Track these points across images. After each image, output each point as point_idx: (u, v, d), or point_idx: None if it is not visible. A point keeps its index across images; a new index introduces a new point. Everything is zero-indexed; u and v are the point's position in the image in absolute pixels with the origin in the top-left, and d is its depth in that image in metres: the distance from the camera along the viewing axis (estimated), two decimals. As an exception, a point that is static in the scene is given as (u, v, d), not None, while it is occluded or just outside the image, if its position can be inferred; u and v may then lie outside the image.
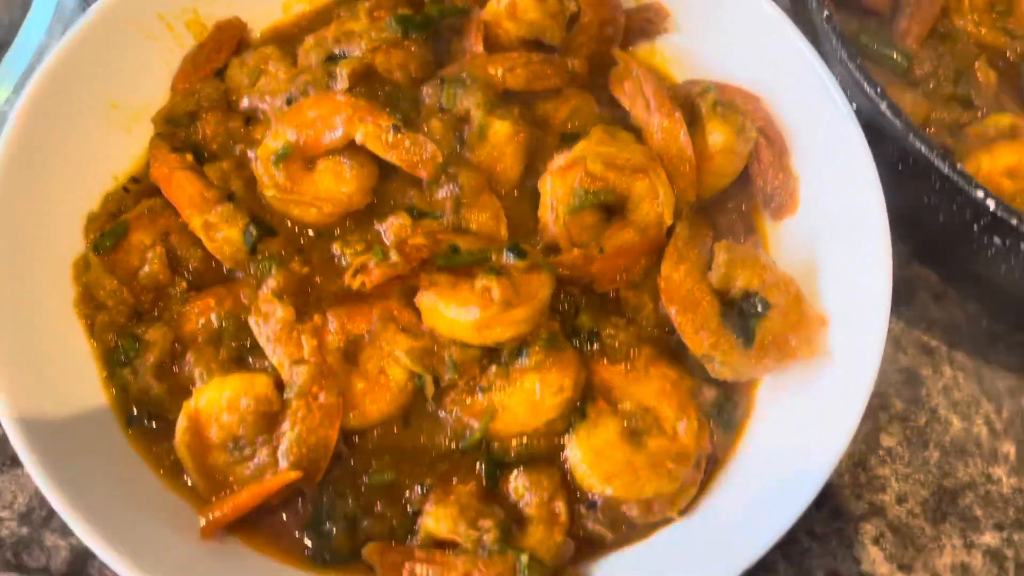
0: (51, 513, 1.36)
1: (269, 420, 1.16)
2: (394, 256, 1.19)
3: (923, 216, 1.34)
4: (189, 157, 1.33)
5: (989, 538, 1.41)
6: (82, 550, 1.34)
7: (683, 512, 1.21)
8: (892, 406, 1.49)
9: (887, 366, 1.51)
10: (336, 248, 1.31)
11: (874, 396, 1.46)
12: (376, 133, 1.28)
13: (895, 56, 1.54)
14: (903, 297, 1.58)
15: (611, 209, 1.33)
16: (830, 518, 1.41)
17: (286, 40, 1.48)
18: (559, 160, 1.31)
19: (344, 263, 1.30)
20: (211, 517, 1.13)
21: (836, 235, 1.33)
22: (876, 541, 1.40)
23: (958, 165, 1.20)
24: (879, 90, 1.25)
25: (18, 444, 1.10)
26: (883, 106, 1.24)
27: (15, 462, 1.39)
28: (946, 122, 1.50)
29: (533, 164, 1.39)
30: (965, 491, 1.44)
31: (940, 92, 1.53)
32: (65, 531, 1.35)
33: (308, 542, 1.17)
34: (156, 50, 1.42)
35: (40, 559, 1.34)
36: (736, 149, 1.37)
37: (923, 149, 1.21)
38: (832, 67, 1.35)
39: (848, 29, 1.37)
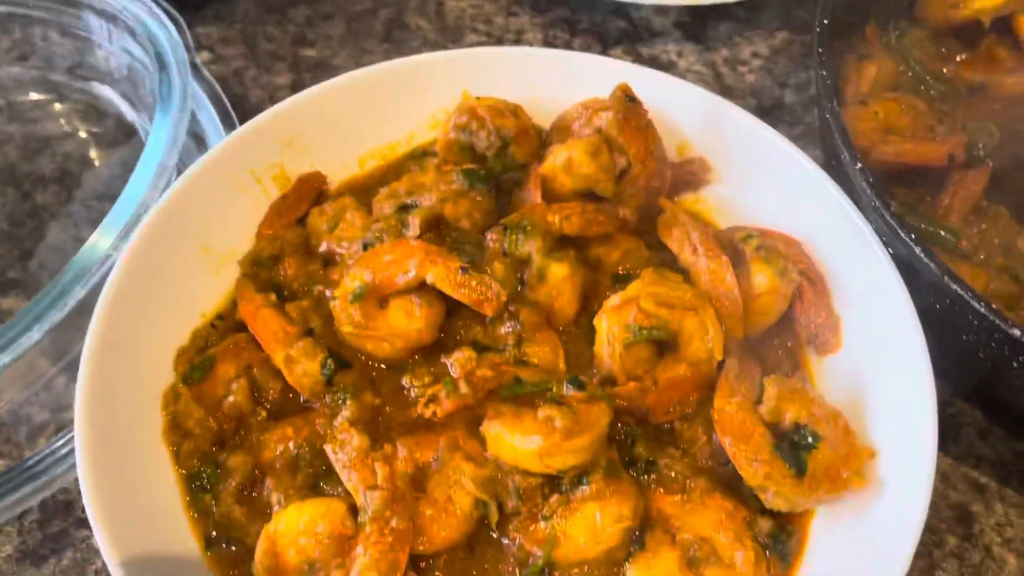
0: (122, 638, 1.40)
1: (343, 544, 1.21)
2: (463, 387, 1.27)
3: (963, 354, 1.40)
4: (272, 296, 1.45)
5: None
6: (149, 677, 1.37)
7: (744, 644, 1.22)
8: (946, 543, 1.51)
9: (938, 502, 1.54)
10: (406, 380, 1.40)
11: (927, 532, 1.50)
12: (446, 274, 1.39)
13: (942, 233, 1.57)
14: (949, 434, 1.61)
15: (663, 345, 1.41)
16: (891, 657, 1.40)
17: (361, 192, 1.62)
18: (614, 299, 1.40)
19: (413, 394, 1.38)
20: (285, 641, 1.17)
21: (879, 370, 1.39)
22: None
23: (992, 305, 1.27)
24: (912, 236, 1.34)
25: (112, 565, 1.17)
26: (917, 250, 1.33)
27: (90, 587, 1.45)
28: (1003, 293, 1.51)
29: (588, 303, 1.49)
30: (1027, 631, 1.43)
31: (992, 263, 1.56)
32: (134, 657, 1.39)
33: (376, 667, 1.20)
34: (245, 200, 1.57)
35: None
36: (780, 289, 1.45)
37: (959, 290, 1.29)
38: (867, 216, 1.45)
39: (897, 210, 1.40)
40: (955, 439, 1.61)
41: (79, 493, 1.50)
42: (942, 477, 1.57)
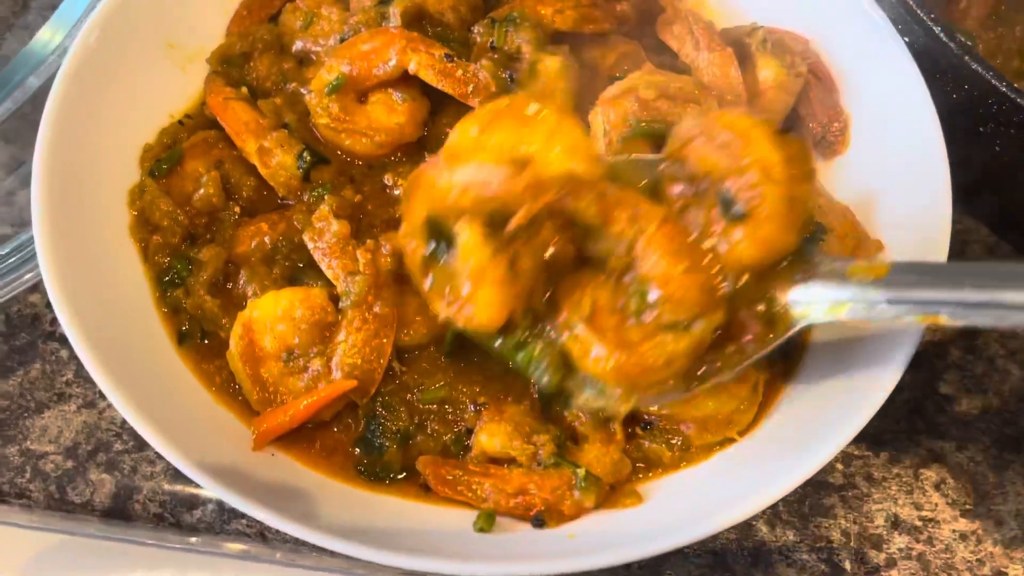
0: (96, 448, 1.35)
1: (323, 331, 1.15)
2: (448, 171, 1.19)
3: (978, 153, 1.33)
4: (244, 90, 1.35)
5: (1055, 485, 1.37)
6: (125, 484, 1.33)
7: (743, 433, 1.18)
8: (948, 354, 1.46)
9: (942, 315, 1.49)
10: (388, 179, 1.31)
11: (929, 345, 1.46)
12: (429, 62, 1.29)
13: (959, 36, 1.48)
14: (956, 250, 1.53)
15: (661, 143, 1.32)
16: (889, 463, 1.37)
17: (339, -8, 1.51)
18: (611, 89, 1.31)
19: (396, 192, 1.30)
20: (264, 427, 1.11)
21: (891, 171, 1.32)
22: (937, 487, 1.35)
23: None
24: (932, 15, 1.24)
25: (88, 362, 1.10)
26: (937, 30, 1.24)
27: (61, 398, 1.39)
28: None
29: (583, 106, 1.40)
30: (1028, 439, 1.40)
31: (1008, 67, 1.49)
32: (109, 466, 1.34)
33: (360, 457, 1.15)
34: (212, -3, 1.45)
35: (84, 494, 1.32)
36: (786, 85, 1.36)
37: (980, 69, 1.20)
38: (882, 6, 1.35)
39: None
40: (962, 256, 1.55)
41: (46, 307, 1.44)
42: (947, 292, 1.51)
